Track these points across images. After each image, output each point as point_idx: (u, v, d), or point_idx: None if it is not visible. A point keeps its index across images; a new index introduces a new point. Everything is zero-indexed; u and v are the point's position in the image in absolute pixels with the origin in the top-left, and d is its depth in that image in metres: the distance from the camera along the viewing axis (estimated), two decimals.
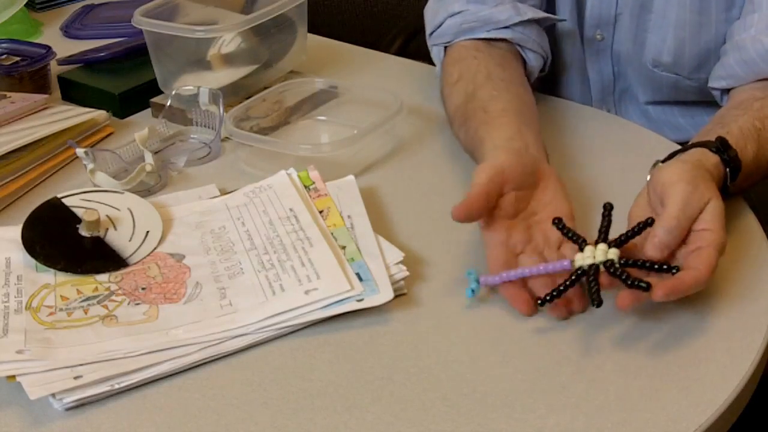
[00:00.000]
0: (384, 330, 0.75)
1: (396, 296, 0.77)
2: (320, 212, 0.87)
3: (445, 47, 1.08)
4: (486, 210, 0.79)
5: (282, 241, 0.83)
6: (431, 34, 1.09)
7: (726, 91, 1.00)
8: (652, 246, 0.73)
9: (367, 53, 1.33)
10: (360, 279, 0.78)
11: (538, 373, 0.70)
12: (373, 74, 1.24)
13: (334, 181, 0.91)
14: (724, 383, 0.68)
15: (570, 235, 0.76)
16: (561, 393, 0.68)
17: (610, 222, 0.76)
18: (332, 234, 0.84)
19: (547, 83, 1.19)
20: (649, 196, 0.79)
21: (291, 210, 0.87)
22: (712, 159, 0.80)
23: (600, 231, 0.76)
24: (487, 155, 0.85)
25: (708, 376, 0.69)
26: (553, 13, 1.12)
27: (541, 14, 1.06)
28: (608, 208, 0.77)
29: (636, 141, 1.03)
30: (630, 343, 0.72)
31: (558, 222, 0.77)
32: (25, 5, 1.39)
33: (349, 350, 0.73)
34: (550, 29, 1.14)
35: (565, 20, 1.11)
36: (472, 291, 0.76)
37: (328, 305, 0.75)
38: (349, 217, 0.86)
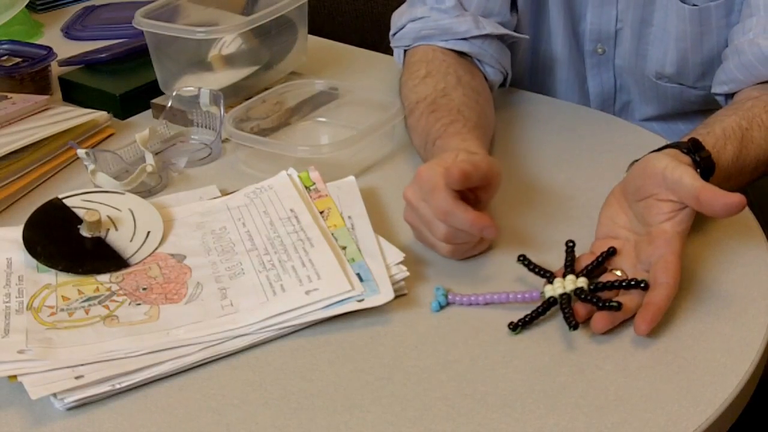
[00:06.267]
0: (384, 330, 0.75)
1: (396, 296, 0.77)
2: (321, 213, 0.87)
3: (405, 50, 1.09)
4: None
5: (283, 242, 0.83)
6: (393, 35, 1.10)
7: (729, 96, 0.99)
8: (713, 213, 0.74)
9: (368, 55, 1.33)
10: (360, 279, 0.78)
11: (538, 373, 0.70)
12: (374, 76, 1.24)
13: (334, 182, 0.92)
14: (723, 383, 0.68)
15: (536, 270, 0.78)
16: (561, 393, 0.68)
17: (573, 257, 0.79)
18: (333, 234, 0.84)
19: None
20: (625, 193, 0.80)
21: (291, 210, 0.87)
22: (684, 159, 0.80)
23: (565, 265, 0.78)
24: (473, 150, 0.85)
25: (708, 376, 0.69)
26: (544, 26, 1.12)
27: (501, 30, 1.06)
28: (570, 245, 0.79)
29: (637, 142, 1.03)
30: (630, 343, 0.72)
31: (523, 259, 0.79)
32: (26, 6, 1.39)
33: (350, 350, 0.73)
34: (544, 43, 1.13)
35: (527, 37, 1.11)
36: (439, 305, 0.77)
37: (328, 305, 0.76)
38: (349, 217, 0.86)
